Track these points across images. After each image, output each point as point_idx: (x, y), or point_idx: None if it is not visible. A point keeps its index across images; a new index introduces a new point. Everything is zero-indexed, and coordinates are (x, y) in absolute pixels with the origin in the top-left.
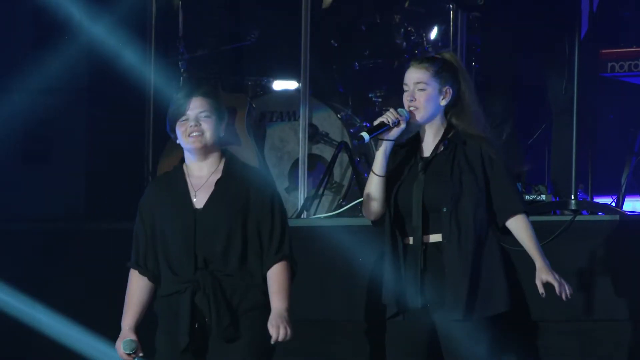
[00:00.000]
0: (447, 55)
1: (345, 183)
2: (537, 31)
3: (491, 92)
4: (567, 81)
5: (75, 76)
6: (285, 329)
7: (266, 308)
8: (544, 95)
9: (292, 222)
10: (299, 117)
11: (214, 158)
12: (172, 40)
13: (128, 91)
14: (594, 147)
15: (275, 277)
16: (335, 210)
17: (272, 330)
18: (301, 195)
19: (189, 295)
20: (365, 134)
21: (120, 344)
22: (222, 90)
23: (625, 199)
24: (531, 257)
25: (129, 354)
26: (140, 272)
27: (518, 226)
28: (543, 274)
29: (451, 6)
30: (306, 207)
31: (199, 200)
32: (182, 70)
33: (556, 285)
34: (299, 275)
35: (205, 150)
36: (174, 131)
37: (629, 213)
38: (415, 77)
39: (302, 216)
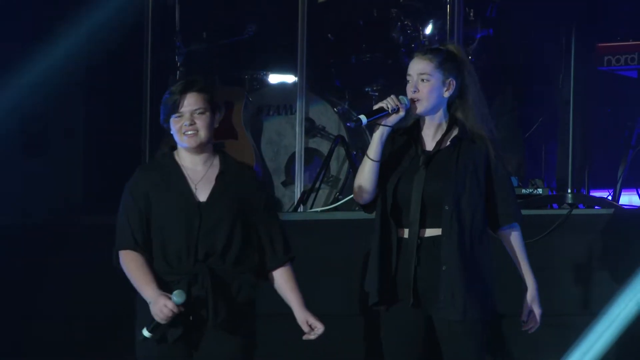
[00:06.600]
0: (451, 47)
1: (342, 177)
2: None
3: (502, 79)
4: (563, 75)
5: (73, 70)
6: (319, 322)
7: (255, 305)
8: (543, 89)
9: (288, 216)
10: (295, 110)
11: (207, 153)
12: (169, 34)
13: (125, 85)
14: (590, 140)
15: (286, 276)
16: (331, 204)
17: (314, 325)
18: (298, 189)
19: (184, 287)
20: (363, 117)
21: (162, 303)
22: (218, 84)
23: (622, 193)
24: (521, 269)
25: (179, 305)
26: (138, 252)
27: (513, 235)
28: (535, 305)
29: (447, 0)
30: (303, 200)
31: (201, 193)
32: (178, 64)
33: (537, 319)
34: (295, 268)
35: (201, 147)
36: (167, 122)
37: (625, 207)
38: (419, 67)
39: (298, 210)
